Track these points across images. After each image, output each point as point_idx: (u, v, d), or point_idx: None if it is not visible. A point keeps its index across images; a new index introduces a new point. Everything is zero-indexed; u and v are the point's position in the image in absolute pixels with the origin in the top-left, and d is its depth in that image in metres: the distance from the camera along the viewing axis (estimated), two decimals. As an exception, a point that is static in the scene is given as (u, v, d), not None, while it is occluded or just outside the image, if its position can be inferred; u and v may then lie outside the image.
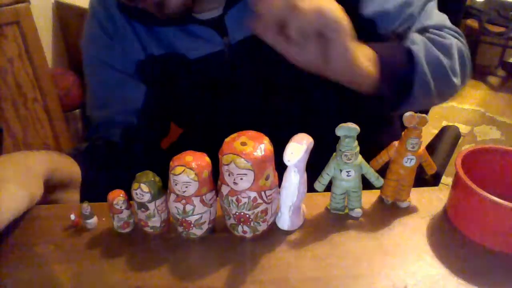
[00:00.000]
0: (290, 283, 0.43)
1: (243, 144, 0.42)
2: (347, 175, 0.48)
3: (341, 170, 0.48)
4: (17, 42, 1.51)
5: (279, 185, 0.46)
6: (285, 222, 0.48)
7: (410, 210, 0.52)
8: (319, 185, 0.49)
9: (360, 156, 0.48)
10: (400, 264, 0.44)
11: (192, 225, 0.46)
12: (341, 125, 0.45)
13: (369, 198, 0.53)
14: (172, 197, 0.45)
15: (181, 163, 0.43)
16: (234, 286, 0.43)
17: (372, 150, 0.52)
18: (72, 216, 0.50)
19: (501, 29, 2.80)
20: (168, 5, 0.58)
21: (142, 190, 0.45)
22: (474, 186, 0.44)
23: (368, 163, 0.49)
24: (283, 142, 0.44)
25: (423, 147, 0.48)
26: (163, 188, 0.47)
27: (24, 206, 0.49)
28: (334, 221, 0.50)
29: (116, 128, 0.72)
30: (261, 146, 0.42)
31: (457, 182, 0.48)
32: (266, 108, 0.70)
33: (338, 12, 0.46)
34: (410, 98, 0.61)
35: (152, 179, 0.46)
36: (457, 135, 0.94)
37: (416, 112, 0.46)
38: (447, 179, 1.85)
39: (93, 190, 0.64)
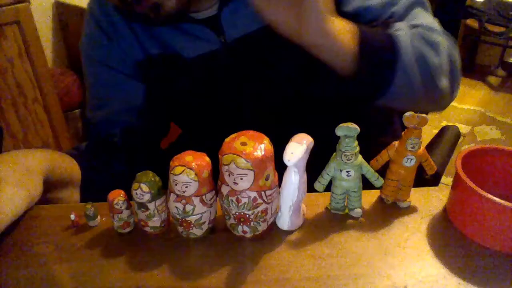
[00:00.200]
0: (290, 283, 0.43)
1: (243, 144, 0.42)
2: (347, 175, 0.48)
3: (341, 170, 0.48)
4: (17, 42, 1.51)
5: (279, 185, 0.46)
6: (285, 222, 0.48)
7: (410, 210, 0.52)
8: (319, 185, 0.49)
9: (360, 156, 0.48)
10: (400, 264, 0.44)
11: (192, 225, 0.46)
12: (341, 125, 0.45)
13: (369, 198, 0.53)
14: (172, 197, 0.45)
15: (181, 163, 0.43)
16: (234, 286, 0.43)
17: (372, 150, 0.52)
18: (72, 216, 0.50)
19: (501, 29, 2.80)
20: (164, 8, 0.59)
21: (142, 190, 0.45)
22: (474, 186, 0.44)
23: (368, 163, 0.49)
24: (283, 142, 0.44)
25: (423, 147, 0.48)
26: (163, 188, 0.47)
27: (23, 206, 0.49)
28: (334, 221, 0.50)
29: (115, 128, 0.73)
30: (261, 146, 0.42)
31: (457, 182, 0.48)
32: (265, 108, 0.70)
33: None
34: (391, 87, 0.57)
35: (152, 179, 0.46)
36: (457, 135, 0.94)
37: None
38: (447, 179, 1.85)
39: (93, 190, 0.64)
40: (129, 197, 0.47)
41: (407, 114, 0.46)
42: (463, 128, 2.45)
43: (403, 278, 0.43)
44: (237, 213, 0.45)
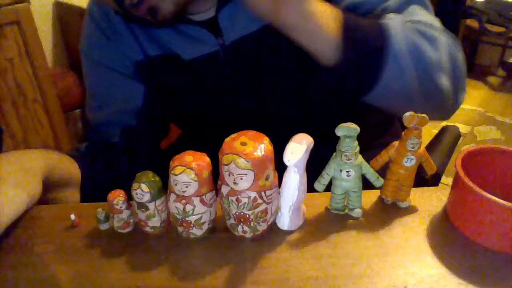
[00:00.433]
0: (290, 283, 0.43)
1: (243, 144, 0.42)
2: (347, 175, 0.48)
3: (341, 170, 0.48)
4: (17, 42, 1.52)
5: (279, 185, 0.46)
6: (285, 222, 0.48)
7: (410, 210, 0.52)
8: (319, 185, 0.49)
9: (360, 156, 0.48)
10: (400, 264, 0.44)
11: (192, 225, 0.46)
12: (341, 125, 0.45)
13: (369, 198, 0.53)
14: (172, 197, 0.45)
15: (181, 163, 0.43)
16: (234, 286, 0.43)
17: (372, 150, 0.52)
18: (72, 216, 0.50)
19: (501, 29, 2.80)
20: (161, 11, 0.59)
21: (142, 190, 0.45)
22: (474, 186, 0.44)
23: (368, 163, 0.49)
24: (283, 142, 0.44)
25: (423, 147, 0.48)
26: (163, 188, 0.47)
27: (23, 207, 0.49)
28: (334, 221, 0.50)
29: (115, 128, 0.73)
30: (261, 146, 0.42)
31: (457, 182, 0.48)
32: (265, 108, 0.70)
33: None
34: (381, 79, 0.52)
35: (152, 179, 0.46)
36: (457, 135, 0.94)
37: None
38: (447, 179, 1.85)
39: (93, 190, 0.64)
40: (129, 197, 0.47)
41: (407, 114, 0.46)
42: (463, 128, 2.45)
43: (403, 278, 0.43)
44: (237, 213, 0.45)
